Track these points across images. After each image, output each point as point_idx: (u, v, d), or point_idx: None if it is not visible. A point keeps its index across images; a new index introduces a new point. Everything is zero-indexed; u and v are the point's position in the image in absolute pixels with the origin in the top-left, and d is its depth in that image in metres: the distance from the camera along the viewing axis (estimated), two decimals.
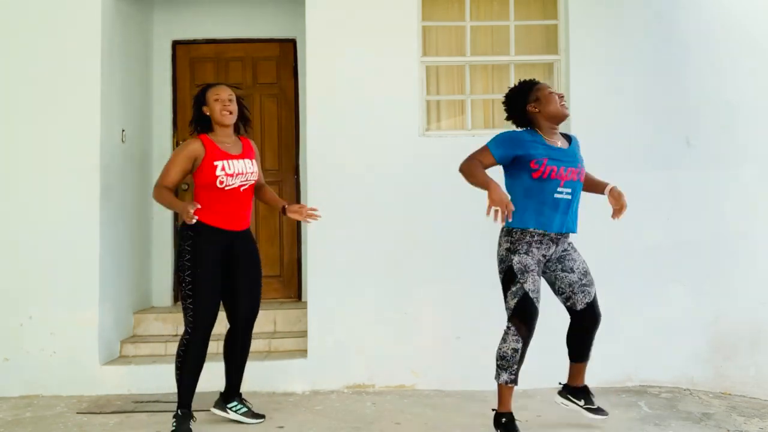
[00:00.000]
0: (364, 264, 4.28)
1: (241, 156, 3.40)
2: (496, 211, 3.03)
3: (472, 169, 3.20)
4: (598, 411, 3.45)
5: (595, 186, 3.46)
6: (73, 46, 4.23)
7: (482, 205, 4.28)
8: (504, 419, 3.21)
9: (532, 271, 3.16)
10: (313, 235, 4.29)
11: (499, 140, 3.25)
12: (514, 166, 3.23)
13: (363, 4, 4.37)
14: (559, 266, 3.31)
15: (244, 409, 3.51)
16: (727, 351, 4.28)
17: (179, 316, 4.69)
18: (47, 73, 4.22)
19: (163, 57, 5.25)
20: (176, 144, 5.24)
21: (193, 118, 3.44)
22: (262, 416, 3.57)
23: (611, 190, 3.37)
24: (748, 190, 4.35)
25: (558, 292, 3.35)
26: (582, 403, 3.44)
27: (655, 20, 4.40)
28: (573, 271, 3.28)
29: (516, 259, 3.18)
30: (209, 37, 5.27)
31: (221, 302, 3.40)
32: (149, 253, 5.11)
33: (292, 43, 5.27)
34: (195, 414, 3.38)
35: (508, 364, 3.15)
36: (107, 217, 4.30)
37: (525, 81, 3.40)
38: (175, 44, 5.29)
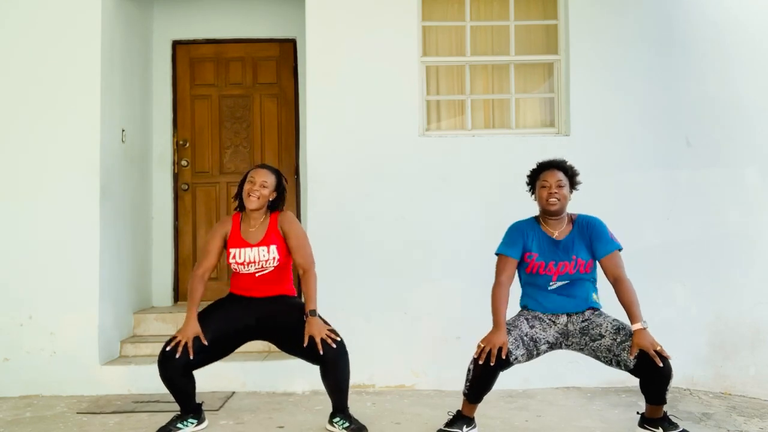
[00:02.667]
0: (364, 264, 4.28)
1: (259, 244, 3.33)
2: (481, 348, 3.08)
3: (492, 301, 3.20)
4: None
5: (627, 313, 3.10)
6: (73, 46, 4.23)
7: (482, 204, 4.32)
8: (450, 413, 3.32)
9: (521, 316, 3.24)
10: (313, 235, 4.28)
11: (506, 241, 3.28)
12: None
13: (363, 4, 4.37)
14: (587, 338, 3.15)
15: (346, 424, 3.37)
16: (727, 351, 4.28)
17: (179, 316, 4.70)
18: (47, 73, 4.22)
19: (163, 57, 5.25)
20: (176, 144, 5.25)
21: (236, 192, 3.45)
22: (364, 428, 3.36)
23: (635, 332, 3.02)
24: (748, 190, 4.35)
25: (608, 363, 3.12)
26: (660, 431, 3.22)
27: (655, 20, 4.40)
28: (603, 336, 3.09)
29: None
30: (209, 37, 5.28)
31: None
32: (149, 253, 5.11)
33: (292, 43, 5.27)
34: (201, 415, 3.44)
35: (465, 377, 3.18)
36: (107, 217, 4.30)
37: (538, 166, 3.31)
38: (175, 44, 5.29)
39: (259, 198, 3.31)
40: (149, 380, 4.12)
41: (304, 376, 4.18)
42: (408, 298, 4.28)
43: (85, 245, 4.17)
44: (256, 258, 3.32)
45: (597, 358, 3.16)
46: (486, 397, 3.50)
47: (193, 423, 3.36)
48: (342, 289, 4.23)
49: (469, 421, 3.28)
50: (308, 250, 3.39)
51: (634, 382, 4.21)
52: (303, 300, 3.36)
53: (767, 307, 4.29)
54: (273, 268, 3.35)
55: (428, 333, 4.27)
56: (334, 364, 3.25)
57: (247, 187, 3.34)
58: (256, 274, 3.34)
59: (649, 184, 4.32)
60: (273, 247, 3.33)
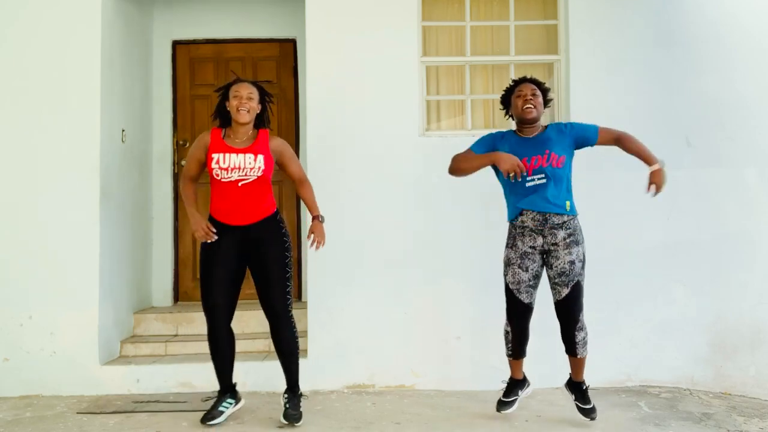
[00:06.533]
0: (364, 264, 4.28)
1: (245, 150, 3.33)
2: (513, 174, 3.27)
3: (465, 160, 3.46)
4: (588, 412, 3.46)
5: (642, 158, 3.44)
6: (73, 46, 4.23)
7: (481, 204, 4.32)
8: (503, 381, 3.61)
9: (512, 264, 3.40)
10: None
11: (479, 141, 3.53)
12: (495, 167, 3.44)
13: (363, 4, 4.37)
14: (544, 257, 3.44)
15: (288, 405, 3.45)
16: (727, 351, 4.27)
17: (179, 316, 4.71)
18: (47, 73, 4.21)
19: (163, 57, 5.25)
20: (176, 144, 5.25)
21: (215, 109, 3.46)
22: (297, 417, 3.46)
23: (653, 173, 3.39)
24: (748, 190, 4.35)
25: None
26: (573, 397, 3.53)
27: (655, 20, 4.39)
28: (552, 268, 3.39)
29: (504, 252, 3.47)
30: (209, 37, 5.27)
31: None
32: (149, 253, 5.11)
33: (292, 43, 5.27)
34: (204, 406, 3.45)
35: (505, 341, 3.52)
36: (107, 217, 4.30)
37: (513, 82, 3.54)
38: (175, 44, 5.29)
39: (249, 111, 3.32)
40: (149, 380, 4.13)
41: (304, 376, 4.18)
42: (408, 298, 4.28)
43: (85, 245, 4.17)
44: (241, 164, 3.29)
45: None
46: (486, 397, 3.51)
47: (231, 403, 3.46)
48: (342, 289, 4.23)
49: (522, 383, 3.58)
50: (300, 164, 3.54)
51: (634, 382, 4.26)
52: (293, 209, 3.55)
53: (767, 307, 4.30)
54: (256, 178, 3.32)
55: (428, 333, 4.27)
56: (273, 319, 3.41)
57: (234, 102, 3.32)
58: (239, 183, 3.30)
59: None
60: (260, 157, 3.32)
